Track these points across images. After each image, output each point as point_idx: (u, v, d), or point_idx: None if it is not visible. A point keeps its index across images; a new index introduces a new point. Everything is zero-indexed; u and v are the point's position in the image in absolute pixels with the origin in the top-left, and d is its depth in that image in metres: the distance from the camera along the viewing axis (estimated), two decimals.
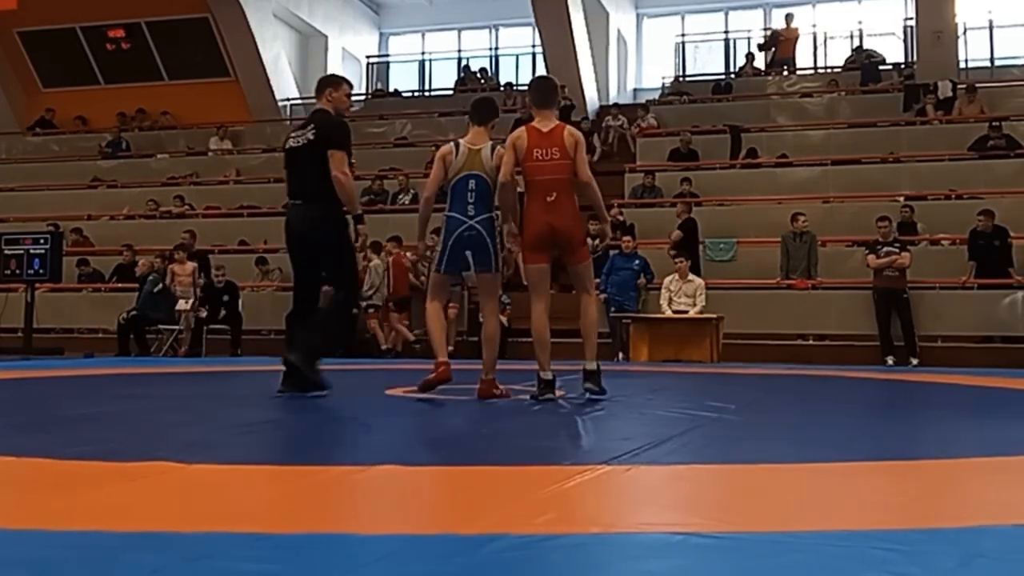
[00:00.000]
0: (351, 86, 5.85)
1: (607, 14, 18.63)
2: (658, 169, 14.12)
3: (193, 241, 13.02)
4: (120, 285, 13.14)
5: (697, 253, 11.67)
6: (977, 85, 14.89)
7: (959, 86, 14.87)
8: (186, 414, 4.55)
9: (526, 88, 5.23)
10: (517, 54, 21.05)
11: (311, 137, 5.38)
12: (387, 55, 22.41)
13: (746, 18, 20.09)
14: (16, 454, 2.94)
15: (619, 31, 19.43)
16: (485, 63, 21.06)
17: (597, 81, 17.86)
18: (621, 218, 12.46)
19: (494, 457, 3.20)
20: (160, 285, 11.88)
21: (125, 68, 19.59)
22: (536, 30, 17.72)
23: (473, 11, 20.89)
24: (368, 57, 21.88)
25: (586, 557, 1.83)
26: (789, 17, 18.27)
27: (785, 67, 18.08)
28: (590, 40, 17.48)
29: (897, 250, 10.34)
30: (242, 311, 11.95)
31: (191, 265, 12.06)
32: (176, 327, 11.89)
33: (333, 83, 5.61)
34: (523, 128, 5.09)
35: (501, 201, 5.10)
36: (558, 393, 5.03)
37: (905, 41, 17.98)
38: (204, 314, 11.71)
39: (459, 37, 21.79)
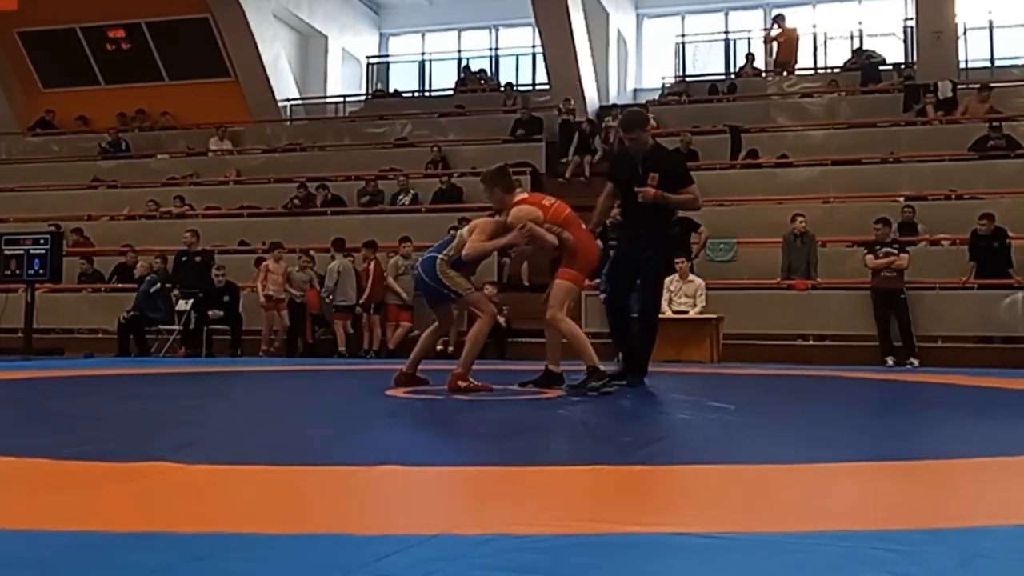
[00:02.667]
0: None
1: (607, 14, 18.64)
2: None
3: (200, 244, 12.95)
4: (120, 285, 13.15)
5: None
6: (977, 86, 14.90)
7: (959, 86, 14.88)
8: (186, 414, 4.56)
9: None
10: (517, 54, 21.05)
11: None
12: (387, 55, 22.41)
13: (746, 18, 20.10)
14: (16, 454, 2.94)
15: (619, 31, 19.43)
16: (485, 63, 21.06)
17: (597, 81, 17.85)
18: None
19: (493, 457, 3.20)
20: (158, 286, 11.88)
21: (125, 68, 19.59)
22: (536, 30, 17.72)
23: (473, 11, 20.89)
24: (368, 57, 21.88)
25: (586, 557, 1.83)
26: (779, 18, 18.24)
27: (784, 70, 18.08)
28: (590, 40, 17.48)
29: (896, 251, 10.34)
30: (242, 311, 11.95)
31: (283, 265, 12.02)
32: (175, 327, 11.90)
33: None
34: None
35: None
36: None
37: (905, 41, 17.99)
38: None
39: (459, 37, 21.79)
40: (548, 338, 5.73)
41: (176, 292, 12.13)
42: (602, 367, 5.31)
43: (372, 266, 11.80)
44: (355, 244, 12.32)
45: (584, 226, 5.58)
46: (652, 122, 6.29)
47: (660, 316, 10.65)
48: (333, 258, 11.80)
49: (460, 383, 5.42)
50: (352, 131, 18.16)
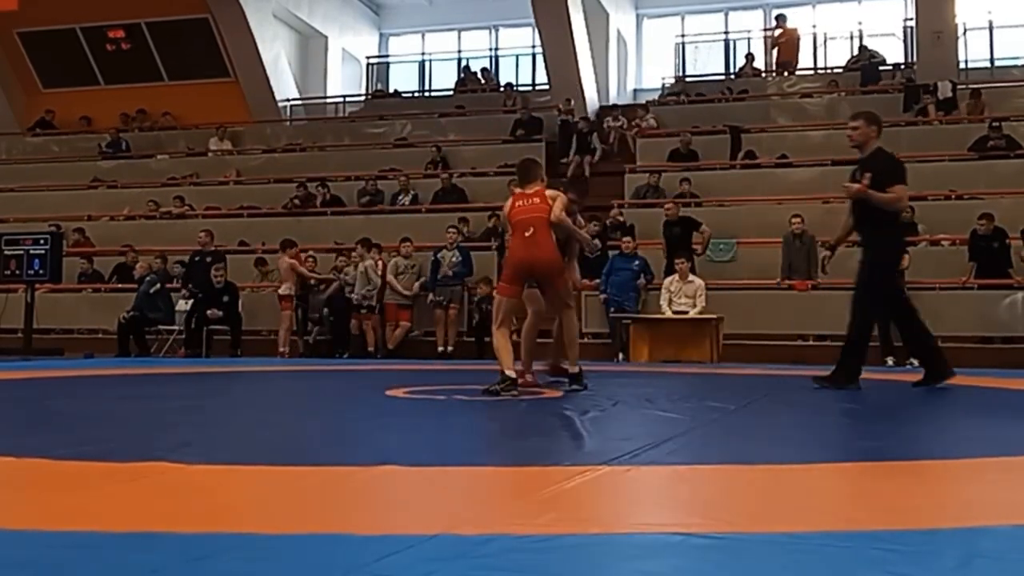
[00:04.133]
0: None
1: (607, 14, 18.63)
2: (658, 169, 14.12)
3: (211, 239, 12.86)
4: (120, 285, 13.14)
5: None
6: (977, 86, 14.89)
7: (959, 86, 14.88)
8: (186, 414, 4.56)
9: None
10: (517, 54, 21.04)
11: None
12: (387, 55, 22.41)
13: (746, 18, 20.09)
14: (16, 454, 2.94)
15: (619, 31, 19.42)
16: (485, 63, 21.04)
17: (597, 81, 17.84)
18: (621, 219, 12.46)
19: (494, 457, 3.20)
20: (158, 286, 11.86)
21: (125, 68, 19.57)
22: (536, 30, 17.71)
23: (473, 11, 20.88)
24: (368, 57, 21.88)
25: (586, 557, 1.83)
26: (781, 18, 18.24)
27: (785, 70, 18.08)
28: (590, 40, 17.47)
29: None
30: (242, 312, 11.95)
31: (293, 261, 11.94)
32: (175, 327, 11.89)
33: None
34: None
35: None
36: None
37: (905, 41, 17.97)
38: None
39: (459, 37, 21.78)
40: (565, 338, 5.84)
41: (186, 291, 12.12)
42: (510, 378, 5.34)
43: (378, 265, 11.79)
44: (354, 245, 12.29)
45: (527, 233, 5.49)
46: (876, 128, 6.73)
47: (660, 316, 10.88)
48: (362, 258, 11.74)
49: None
50: (352, 131, 18.16)
